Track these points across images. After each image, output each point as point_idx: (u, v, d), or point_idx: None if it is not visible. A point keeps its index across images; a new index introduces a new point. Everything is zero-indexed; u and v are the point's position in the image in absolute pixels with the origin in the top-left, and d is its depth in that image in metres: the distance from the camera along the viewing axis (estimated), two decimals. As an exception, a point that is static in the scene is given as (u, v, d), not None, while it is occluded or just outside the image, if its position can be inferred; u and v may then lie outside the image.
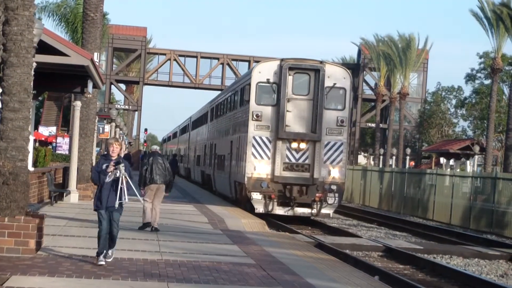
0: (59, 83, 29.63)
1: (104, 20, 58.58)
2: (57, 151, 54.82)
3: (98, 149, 65.53)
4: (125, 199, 19.92)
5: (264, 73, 32.21)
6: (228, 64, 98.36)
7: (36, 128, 64.29)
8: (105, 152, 14.57)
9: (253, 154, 31.76)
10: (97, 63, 30.00)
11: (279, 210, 31.89)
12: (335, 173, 31.88)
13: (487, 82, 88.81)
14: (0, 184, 14.88)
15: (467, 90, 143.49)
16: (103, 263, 14.16)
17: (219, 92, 57.71)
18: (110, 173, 14.07)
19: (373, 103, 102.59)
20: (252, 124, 31.94)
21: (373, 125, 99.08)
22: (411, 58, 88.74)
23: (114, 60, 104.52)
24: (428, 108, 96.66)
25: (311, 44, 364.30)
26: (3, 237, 14.58)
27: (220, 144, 42.16)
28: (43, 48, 22.73)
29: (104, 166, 14.16)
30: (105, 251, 14.37)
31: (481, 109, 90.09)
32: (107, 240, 14.41)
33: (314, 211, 31.93)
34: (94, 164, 48.66)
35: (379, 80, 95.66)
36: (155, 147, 23.12)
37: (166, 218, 25.76)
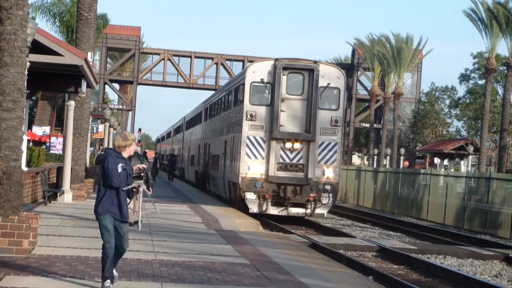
0: (53, 83, 29.55)
1: (101, 20, 58.59)
2: (50, 151, 54.77)
3: (92, 148, 65.52)
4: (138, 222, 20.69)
5: (258, 73, 32.19)
6: (222, 64, 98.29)
7: (29, 128, 64.19)
8: (111, 147, 11.95)
9: (247, 154, 31.73)
10: (91, 63, 29.94)
11: (273, 210, 31.87)
12: (329, 173, 31.88)
13: (481, 82, 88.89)
14: (-7, 184, 14.85)
15: (461, 90, 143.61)
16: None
17: (213, 92, 57.67)
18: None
19: (367, 103, 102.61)
20: (246, 124, 31.92)
21: (367, 125, 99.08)
22: (406, 58, 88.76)
23: (108, 59, 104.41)
24: (422, 108, 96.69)
25: (305, 45, 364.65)
26: (-4, 237, 14.55)
27: (214, 144, 42.14)
28: (37, 47, 22.68)
29: (120, 167, 11.48)
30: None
31: (475, 109, 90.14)
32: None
33: (308, 211, 31.92)
34: (96, 162, 48.93)
35: (373, 80, 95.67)
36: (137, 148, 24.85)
37: (160, 218, 25.74)
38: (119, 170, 11.43)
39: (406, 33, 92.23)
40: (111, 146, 12.19)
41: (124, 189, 11.56)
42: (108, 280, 11.48)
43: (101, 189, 11.54)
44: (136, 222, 21.67)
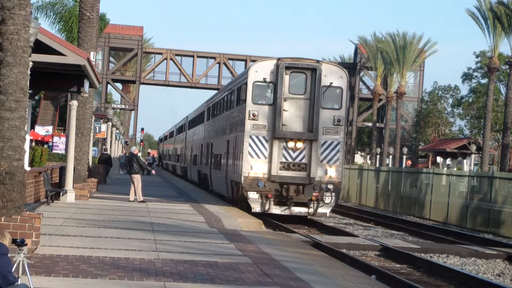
0: (56, 83, 29.57)
1: (100, 20, 58.54)
2: (53, 151, 54.79)
3: (95, 148, 65.54)
4: None
5: (260, 72, 32.16)
6: (224, 64, 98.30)
7: (32, 127, 64.25)
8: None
9: (249, 153, 31.71)
10: (94, 63, 29.96)
11: (276, 210, 31.84)
12: (332, 172, 31.84)
13: (484, 81, 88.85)
14: (-4, 183, 14.86)
15: (464, 89, 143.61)
16: None
17: (216, 91, 57.67)
18: None
19: (370, 103, 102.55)
20: (248, 123, 31.89)
21: (370, 124, 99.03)
22: (410, 57, 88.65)
23: (111, 59, 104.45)
24: (425, 107, 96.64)
25: (307, 44, 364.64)
26: (-1, 237, 14.55)
27: (217, 144, 42.12)
28: (40, 47, 22.69)
29: None
30: None
31: (477, 108, 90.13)
32: None
33: (311, 210, 31.88)
34: (99, 162, 49.54)
35: (376, 79, 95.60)
36: (134, 148, 34.69)
37: (163, 217, 25.78)
38: None
39: (413, 33, 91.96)
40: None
41: None
42: None
43: None
44: (143, 201, 31.66)
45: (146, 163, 34.80)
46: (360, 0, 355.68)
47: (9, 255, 9.97)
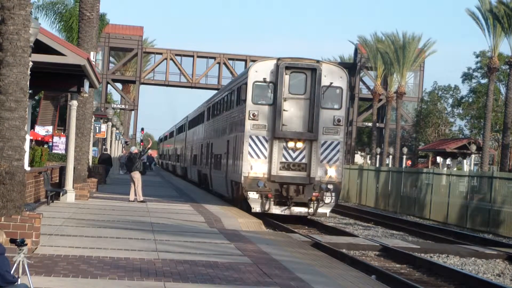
0: (56, 83, 29.55)
1: (100, 20, 58.54)
2: (53, 151, 54.76)
3: (95, 148, 65.53)
4: None
5: (260, 72, 32.15)
6: (224, 64, 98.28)
7: (32, 127, 64.24)
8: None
9: (249, 153, 31.70)
10: (94, 63, 29.95)
11: (276, 210, 31.84)
12: (332, 172, 31.84)
13: (484, 81, 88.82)
14: (-4, 183, 14.86)
15: (464, 89, 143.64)
16: None
17: (216, 91, 57.66)
18: None
19: (370, 103, 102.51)
20: (248, 123, 31.89)
21: (370, 124, 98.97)
22: (409, 57, 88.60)
23: (111, 59, 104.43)
24: (425, 107, 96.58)
25: (307, 44, 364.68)
26: (-1, 237, 14.55)
27: (217, 144, 42.11)
28: (40, 47, 22.69)
29: None
30: None
31: (477, 108, 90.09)
32: None
33: (311, 210, 31.87)
34: (99, 162, 49.57)
35: (376, 79, 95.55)
36: (134, 148, 35.03)
37: (163, 217, 25.78)
38: None
39: (413, 33, 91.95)
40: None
41: None
42: None
43: None
44: (143, 201, 31.95)
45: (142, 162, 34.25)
46: (360, 0, 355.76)
47: (9, 255, 9.96)
